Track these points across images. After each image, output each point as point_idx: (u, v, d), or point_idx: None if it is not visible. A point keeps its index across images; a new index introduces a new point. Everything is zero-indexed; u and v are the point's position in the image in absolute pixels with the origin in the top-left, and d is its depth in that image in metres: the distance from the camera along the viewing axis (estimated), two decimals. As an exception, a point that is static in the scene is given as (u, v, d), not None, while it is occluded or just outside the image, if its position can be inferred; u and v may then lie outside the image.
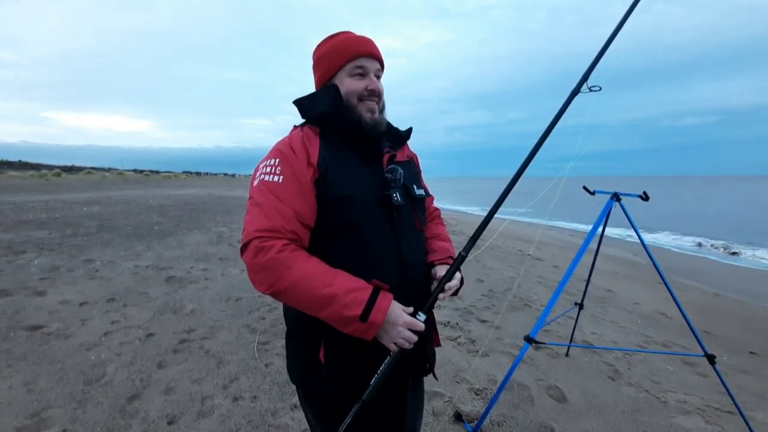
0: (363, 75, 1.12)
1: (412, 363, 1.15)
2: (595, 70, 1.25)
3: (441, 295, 1.10)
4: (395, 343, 0.97)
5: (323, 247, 1.04)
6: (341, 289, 0.92)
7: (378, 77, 1.16)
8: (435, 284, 1.11)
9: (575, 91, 1.24)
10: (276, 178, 1.00)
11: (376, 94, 1.13)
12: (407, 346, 0.98)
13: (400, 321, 0.96)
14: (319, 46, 1.17)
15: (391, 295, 0.98)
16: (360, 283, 0.96)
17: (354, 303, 0.92)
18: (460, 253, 1.09)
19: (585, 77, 1.24)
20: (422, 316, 1.01)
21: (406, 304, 1.06)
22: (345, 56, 1.11)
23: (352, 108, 1.11)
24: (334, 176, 1.03)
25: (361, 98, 1.12)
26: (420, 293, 1.14)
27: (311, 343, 1.05)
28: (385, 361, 1.00)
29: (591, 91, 1.24)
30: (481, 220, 1.15)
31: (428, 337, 1.18)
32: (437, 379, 1.28)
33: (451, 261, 1.18)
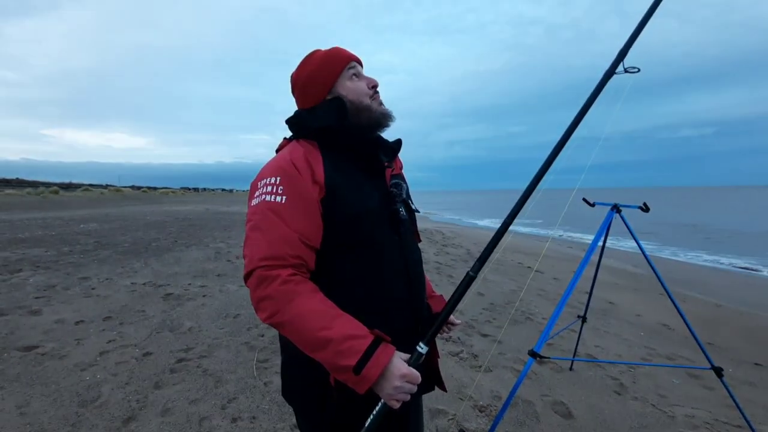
0: (358, 76, 1.14)
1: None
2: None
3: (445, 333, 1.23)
4: (396, 399, 0.88)
5: (331, 267, 1.00)
6: (339, 334, 0.86)
7: None
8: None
9: (609, 73, 1.07)
10: (278, 199, 0.95)
11: (377, 89, 1.16)
12: (407, 398, 0.89)
13: (398, 374, 0.87)
14: (302, 68, 1.14)
15: (392, 349, 0.90)
16: (361, 330, 0.89)
17: (350, 352, 0.84)
18: (468, 273, 0.99)
19: (622, 55, 1.07)
20: (424, 348, 0.93)
21: (414, 319, 1.06)
22: (340, 64, 1.12)
23: (366, 108, 1.10)
24: (344, 194, 1.00)
25: (370, 97, 1.13)
26: (423, 309, 1.13)
27: (321, 368, 0.94)
28: (377, 408, 0.91)
29: (628, 72, 1.07)
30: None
31: (433, 354, 1.16)
32: (446, 391, 1.24)
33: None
